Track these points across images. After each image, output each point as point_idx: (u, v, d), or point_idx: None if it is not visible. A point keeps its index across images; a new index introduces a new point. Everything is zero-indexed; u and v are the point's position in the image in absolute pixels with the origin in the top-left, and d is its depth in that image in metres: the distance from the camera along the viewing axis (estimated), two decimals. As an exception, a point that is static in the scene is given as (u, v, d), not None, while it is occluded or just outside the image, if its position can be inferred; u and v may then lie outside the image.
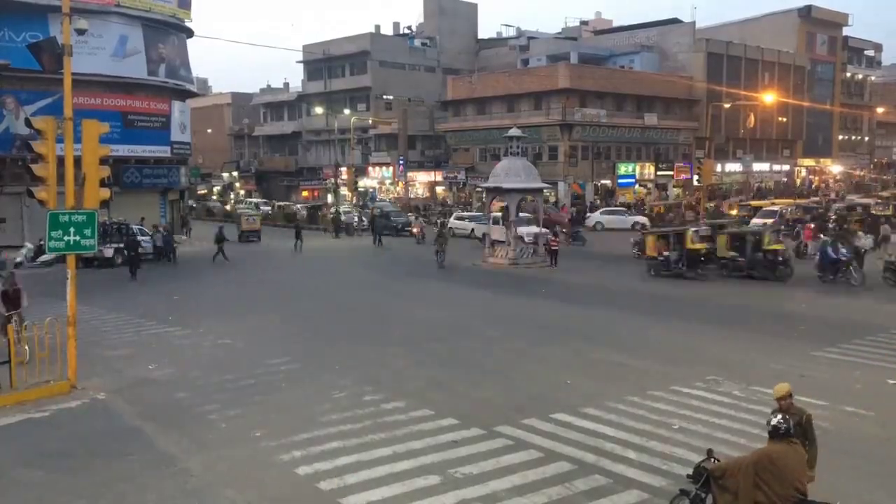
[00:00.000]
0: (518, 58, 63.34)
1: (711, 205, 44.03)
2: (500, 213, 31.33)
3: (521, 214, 30.39)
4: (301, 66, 67.41)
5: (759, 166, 63.78)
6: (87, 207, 11.87)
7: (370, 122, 57.99)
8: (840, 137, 75.13)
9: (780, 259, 22.96)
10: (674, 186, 55.97)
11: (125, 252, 26.70)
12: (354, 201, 49.12)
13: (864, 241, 25.72)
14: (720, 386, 11.86)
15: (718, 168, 57.78)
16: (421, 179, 61.11)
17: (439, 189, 59.80)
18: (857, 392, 11.57)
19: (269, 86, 76.59)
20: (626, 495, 8.04)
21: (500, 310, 19.30)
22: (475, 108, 57.14)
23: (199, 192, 64.98)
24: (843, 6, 72.70)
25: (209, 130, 70.01)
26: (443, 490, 8.14)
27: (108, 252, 27.28)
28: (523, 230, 30.10)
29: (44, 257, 25.80)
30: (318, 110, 62.17)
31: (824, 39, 70.94)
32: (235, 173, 74.74)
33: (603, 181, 53.49)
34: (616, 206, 49.01)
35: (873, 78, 79.81)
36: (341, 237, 41.97)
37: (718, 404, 10.96)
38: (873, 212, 36.72)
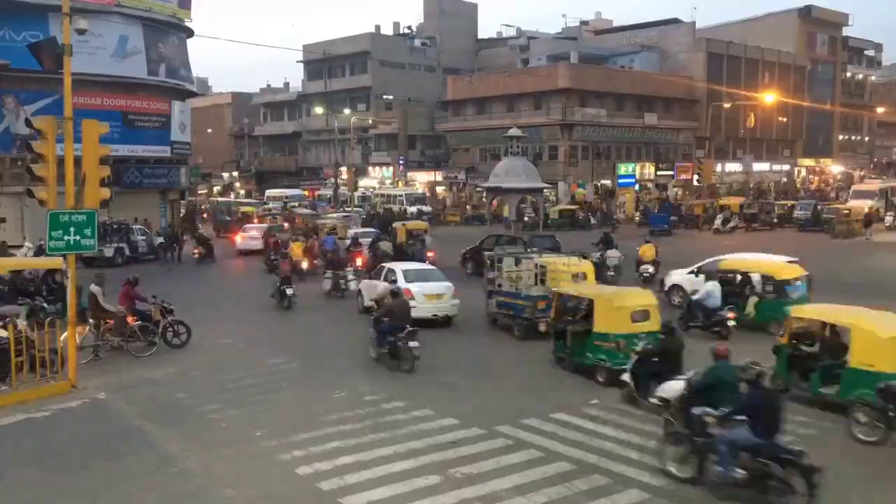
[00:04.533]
0: (518, 58, 63.32)
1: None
2: None
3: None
4: (301, 66, 67.36)
5: (759, 166, 63.59)
6: (88, 207, 11.87)
7: (370, 121, 57.91)
8: (840, 137, 75.02)
9: None
10: (674, 186, 55.81)
11: None
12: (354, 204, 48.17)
13: None
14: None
15: (718, 168, 57.72)
16: (421, 179, 60.96)
17: (439, 189, 59.66)
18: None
19: (269, 86, 76.50)
20: (627, 495, 8.03)
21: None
22: (475, 108, 57.12)
23: (199, 192, 64.06)
24: (843, 6, 72.83)
25: (209, 130, 69.78)
26: (443, 490, 8.13)
27: (109, 252, 27.23)
28: None
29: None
30: (319, 110, 62.04)
31: (824, 39, 70.85)
32: (235, 173, 74.54)
33: (603, 181, 53.37)
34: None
35: (873, 78, 79.70)
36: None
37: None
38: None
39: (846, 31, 73.19)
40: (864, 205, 37.30)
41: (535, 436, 9.72)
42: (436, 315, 16.08)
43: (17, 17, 30.64)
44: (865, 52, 78.58)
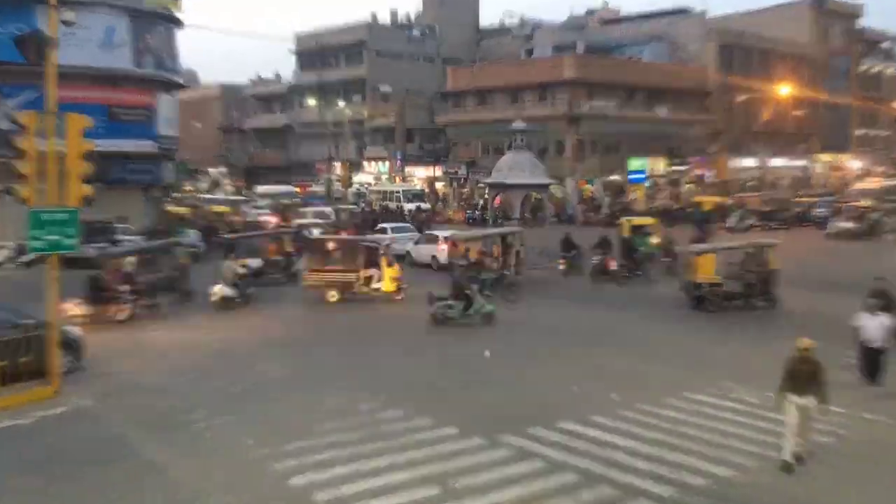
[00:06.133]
0: (522, 48, 62.30)
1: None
2: None
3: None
4: (293, 57, 66.14)
5: (774, 161, 62.25)
6: (69, 205, 11.44)
7: (366, 114, 56.94)
8: (858, 132, 73.62)
9: None
10: (686, 182, 54.25)
11: None
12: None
13: None
14: (733, 392, 11.47)
15: (732, 163, 56.50)
16: (419, 174, 59.45)
17: (439, 185, 58.51)
18: (877, 398, 11.18)
19: (259, 77, 74.55)
20: (633, 506, 7.75)
21: (503, 313, 18.69)
22: (477, 100, 55.69)
23: (184, 190, 60.61)
24: (858, -3, 71.24)
25: (198, 125, 68.20)
26: (443, 502, 7.92)
27: (92, 252, 26.18)
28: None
29: (24, 258, 24.38)
30: (312, 102, 60.72)
31: (838, 31, 69.77)
32: (224, 169, 73.06)
33: (613, 177, 51.90)
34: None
35: (891, 70, 78.30)
36: None
37: (732, 411, 10.62)
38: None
39: (862, 23, 72.07)
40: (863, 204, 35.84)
41: (540, 445, 9.36)
42: None
43: (4, 10, 30.20)
44: (882, 45, 77.41)
